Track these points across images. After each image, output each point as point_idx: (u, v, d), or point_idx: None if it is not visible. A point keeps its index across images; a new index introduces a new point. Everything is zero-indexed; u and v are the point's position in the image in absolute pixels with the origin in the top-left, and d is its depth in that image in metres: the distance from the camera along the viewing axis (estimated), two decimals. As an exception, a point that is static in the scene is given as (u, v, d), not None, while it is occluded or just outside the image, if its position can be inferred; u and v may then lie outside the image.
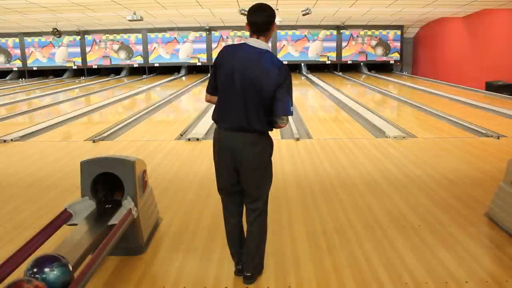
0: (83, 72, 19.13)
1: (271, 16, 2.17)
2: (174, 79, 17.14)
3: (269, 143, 2.31)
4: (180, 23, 16.91)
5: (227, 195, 2.41)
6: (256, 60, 2.15)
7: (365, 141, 5.83)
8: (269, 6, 2.19)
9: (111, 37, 18.53)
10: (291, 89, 2.26)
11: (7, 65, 18.88)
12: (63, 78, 18.84)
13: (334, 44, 18.28)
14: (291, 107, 2.24)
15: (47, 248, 2.14)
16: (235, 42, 18.19)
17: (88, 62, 18.76)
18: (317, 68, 18.75)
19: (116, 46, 18.62)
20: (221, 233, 2.98)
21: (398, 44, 18.24)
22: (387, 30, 18.05)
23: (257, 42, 2.18)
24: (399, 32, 18.08)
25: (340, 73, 17.89)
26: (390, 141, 5.82)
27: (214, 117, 2.29)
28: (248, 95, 2.15)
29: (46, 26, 16.22)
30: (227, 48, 2.25)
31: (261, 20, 2.15)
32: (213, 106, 2.34)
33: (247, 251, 2.36)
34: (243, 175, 2.26)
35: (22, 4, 11.48)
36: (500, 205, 3.03)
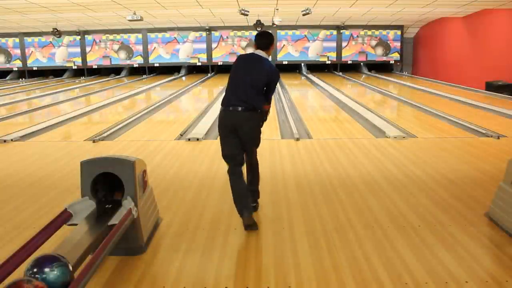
0: (83, 72, 19.14)
1: (269, 39, 3.19)
2: (174, 79, 17.14)
3: (259, 118, 3.21)
4: (180, 23, 16.92)
5: (230, 160, 3.17)
6: (258, 61, 3.12)
7: (365, 141, 5.83)
8: (269, 32, 3.25)
9: (111, 37, 18.53)
10: (275, 86, 3.29)
11: (7, 65, 18.88)
12: (63, 78, 18.84)
13: (334, 44, 18.28)
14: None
15: (47, 248, 2.13)
16: (235, 42, 18.23)
17: (88, 62, 18.76)
18: (317, 68, 18.75)
19: (116, 46, 18.63)
20: (221, 233, 2.99)
21: (398, 44, 18.24)
22: (387, 30, 18.06)
23: (260, 52, 3.17)
24: (399, 32, 18.08)
25: (340, 73, 17.89)
26: (390, 141, 5.82)
27: (223, 102, 3.13)
28: (251, 82, 3.06)
29: (46, 26, 16.22)
30: (241, 55, 3.25)
31: (262, 42, 3.18)
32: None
33: (251, 189, 3.27)
34: (242, 141, 3.13)
35: (22, 4, 11.48)
36: (500, 205, 3.03)
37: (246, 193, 3.12)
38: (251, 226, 3.03)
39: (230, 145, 3.13)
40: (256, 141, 3.24)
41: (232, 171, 3.15)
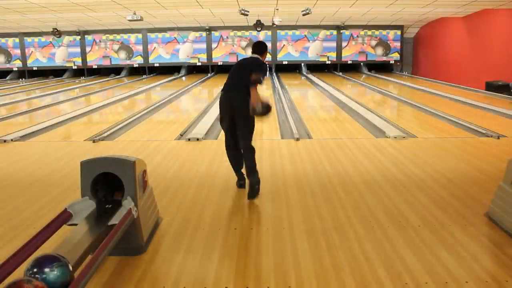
0: (83, 72, 19.14)
1: (263, 48, 3.98)
2: (174, 79, 17.14)
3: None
4: (180, 23, 16.92)
5: (227, 132, 3.81)
6: (254, 59, 3.89)
7: (365, 141, 5.83)
8: (263, 42, 4.04)
9: (111, 37, 18.54)
10: (262, 71, 3.75)
11: (7, 65, 18.89)
12: (63, 78, 18.85)
13: (334, 44, 18.29)
14: (262, 79, 3.70)
15: (47, 248, 2.13)
16: (235, 42, 18.25)
17: (88, 62, 18.77)
18: (317, 68, 18.76)
19: (116, 46, 18.63)
20: (221, 233, 2.99)
21: (398, 44, 18.25)
22: (387, 30, 18.07)
23: (255, 55, 3.93)
24: (399, 32, 18.09)
25: (340, 73, 17.90)
26: (390, 141, 5.82)
27: (224, 88, 3.81)
28: (246, 72, 3.66)
29: (46, 26, 16.23)
30: (242, 58, 4.14)
31: (257, 50, 3.95)
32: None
33: (248, 171, 3.72)
34: (236, 120, 3.68)
35: (22, 4, 11.48)
36: (500, 205, 3.03)
37: (237, 158, 3.84)
38: (242, 184, 3.89)
39: (226, 121, 3.80)
40: (249, 123, 3.70)
41: (227, 144, 3.85)
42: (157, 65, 18.75)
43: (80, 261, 2.03)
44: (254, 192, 3.63)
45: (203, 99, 12.05)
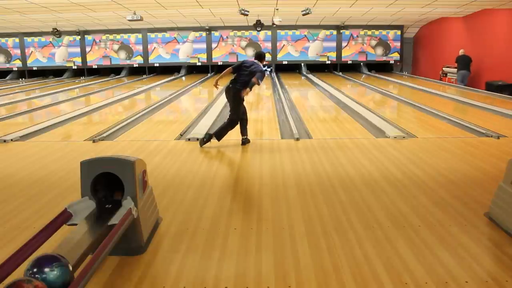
0: (83, 72, 19.15)
1: (260, 57, 5.62)
2: (174, 79, 17.14)
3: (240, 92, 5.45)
4: (180, 23, 16.93)
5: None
6: (255, 63, 5.54)
7: (365, 141, 5.83)
8: (262, 53, 5.72)
9: (111, 37, 18.54)
10: (261, 75, 5.42)
11: (7, 65, 18.89)
12: (63, 78, 18.85)
13: (334, 44, 18.29)
14: (260, 81, 5.38)
15: (47, 248, 2.13)
16: (235, 42, 18.25)
17: (88, 62, 18.77)
18: (317, 68, 18.76)
19: (116, 46, 18.64)
20: (221, 233, 2.99)
21: (398, 44, 18.25)
22: (387, 30, 18.07)
23: (256, 61, 5.60)
24: (399, 32, 18.09)
25: (340, 73, 17.89)
26: (390, 141, 5.82)
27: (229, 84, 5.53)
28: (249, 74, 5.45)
29: (46, 26, 16.24)
30: (247, 59, 5.73)
31: (257, 58, 5.64)
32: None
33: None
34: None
35: (22, 4, 11.49)
36: (500, 205, 3.03)
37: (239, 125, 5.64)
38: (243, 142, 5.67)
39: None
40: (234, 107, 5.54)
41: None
42: (157, 65, 18.76)
43: (80, 261, 2.03)
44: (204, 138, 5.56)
45: (203, 99, 12.05)
